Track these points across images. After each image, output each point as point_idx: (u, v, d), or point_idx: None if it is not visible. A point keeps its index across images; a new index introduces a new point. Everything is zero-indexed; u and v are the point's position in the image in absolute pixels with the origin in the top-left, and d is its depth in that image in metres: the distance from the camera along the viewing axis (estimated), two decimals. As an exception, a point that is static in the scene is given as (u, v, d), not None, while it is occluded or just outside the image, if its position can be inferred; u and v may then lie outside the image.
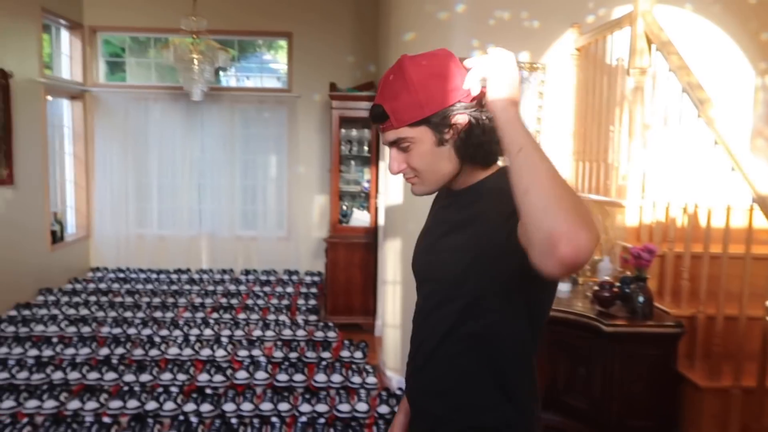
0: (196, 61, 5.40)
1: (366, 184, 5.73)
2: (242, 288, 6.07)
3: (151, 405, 3.46)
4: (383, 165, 4.32)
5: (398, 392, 3.73)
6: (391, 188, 4.26)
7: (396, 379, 4.08)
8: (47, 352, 4.18)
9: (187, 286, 6.05)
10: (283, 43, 7.09)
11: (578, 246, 0.88)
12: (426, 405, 1.34)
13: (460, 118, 1.20)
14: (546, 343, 2.75)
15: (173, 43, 5.37)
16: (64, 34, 6.67)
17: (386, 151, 4.10)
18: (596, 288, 2.67)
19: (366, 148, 5.72)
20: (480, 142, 1.21)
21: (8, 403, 3.40)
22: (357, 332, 5.20)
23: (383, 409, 3.53)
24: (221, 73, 7.40)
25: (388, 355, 4.26)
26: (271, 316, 5.12)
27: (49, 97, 6.25)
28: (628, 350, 2.53)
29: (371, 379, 3.95)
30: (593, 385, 2.59)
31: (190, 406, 3.46)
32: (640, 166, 3.05)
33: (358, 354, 4.36)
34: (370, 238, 5.63)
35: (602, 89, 3.48)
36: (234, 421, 3.30)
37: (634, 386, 2.54)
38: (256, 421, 3.32)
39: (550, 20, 3.89)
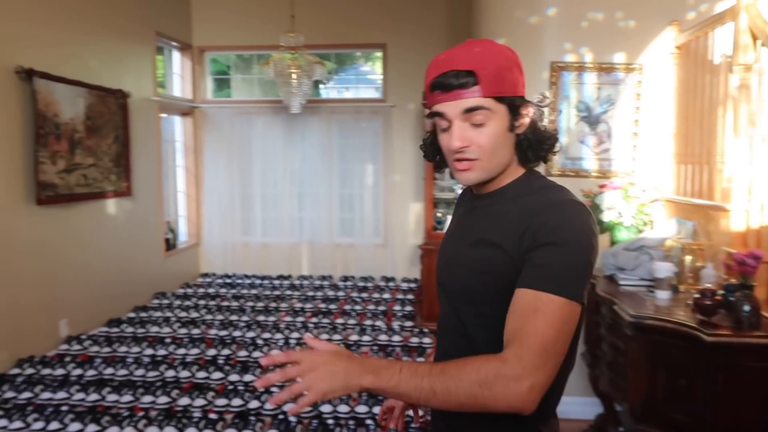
0: (294, 75, 5.63)
1: (459, 191, 5.74)
2: (340, 294, 6.23)
3: (254, 404, 3.64)
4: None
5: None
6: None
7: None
8: (161, 352, 4.49)
9: (288, 292, 6.29)
10: (379, 54, 7.24)
11: (534, 404, 1.05)
12: (448, 419, 1.34)
13: (531, 112, 1.25)
14: (643, 353, 2.66)
15: (273, 59, 5.63)
16: (176, 55, 7.16)
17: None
18: (697, 296, 2.55)
19: (460, 154, 5.72)
20: (540, 139, 1.27)
21: (127, 398, 3.69)
22: (452, 339, 5.20)
23: (476, 415, 3.52)
24: (321, 85, 7.66)
25: (482, 361, 4.24)
26: (368, 322, 5.24)
27: (163, 114, 6.72)
28: (733, 362, 2.40)
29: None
30: (695, 397, 2.47)
31: (289, 406, 3.60)
32: (746, 168, 2.89)
33: (452, 360, 4.36)
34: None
35: (705, 88, 3.32)
36: (330, 422, 3.40)
37: (740, 400, 2.41)
38: (351, 422, 3.41)
39: (647, 19, 3.76)
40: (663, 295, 2.83)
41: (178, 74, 7.21)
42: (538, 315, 1.08)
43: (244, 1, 7.05)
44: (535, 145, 1.27)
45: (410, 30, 6.82)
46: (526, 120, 1.25)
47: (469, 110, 1.19)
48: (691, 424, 2.50)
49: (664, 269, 2.84)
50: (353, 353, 1.17)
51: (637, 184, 3.52)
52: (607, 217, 3.44)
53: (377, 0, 6.89)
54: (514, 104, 1.22)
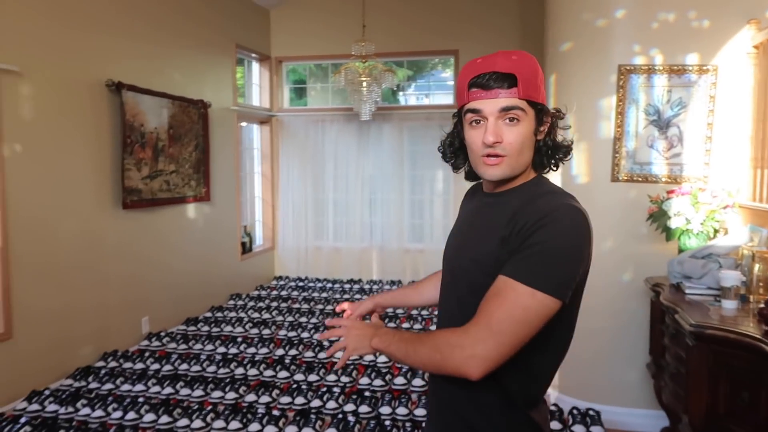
0: (364, 84, 5.75)
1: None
2: (409, 299, 6.26)
3: (316, 403, 3.74)
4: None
5: (552, 408, 3.65)
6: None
7: (554, 395, 3.99)
8: (233, 350, 4.69)
9: (357, 296, 6.41)
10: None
11: (477, 372, 1.20)
12: (450, 405, 1.42)
13: (551, 121, 1.39)
14: (704, 364, 2.56)
15: (344, 67, 5.78)
16: (255, 66, 7.45)
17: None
18: (762, 305, 2.44)
19: (529, 160, 5.65)
20: (557, 147, 1.41)
21: (198, 392, 3.88)
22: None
23: (536, 423, 3.48)
24: (400, 92, 7.78)
25: (546, 370, 4.17)
26: (434, 327, 5.25)
27: (243, 123, 7.02)
28: (801, 376, 2.28)
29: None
30: (758, 411, 2.35)
31: (349, 407, 3.69)
32: (823, 173, 2.73)
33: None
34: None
35: (782, 89, 3.16)
36: (387, 423, 3.45)
37: (809, 417, 2.28)
38: (408, 425, 3.45)
39: (723, 18, 3.61)
40: (729, 304, 2.72)
41: (256, 84, 7.50)
42: (495, 298, 1.22)
43: (321, 13, 7.26)
44: (552, 151, 1.40)
45: (483, 36, 6.81)
46: (547, 127, 1.38)
47: (506, 109, 1.30)
48: (755, 441, 2.39)
49: (730, 278, 2.73)
50: (379, 323, 1.55)
51: (707, 190, 3.38)
52: (674, 223, 3.32)
53: (450, 7, 6.93)
54: (541, 111, 1.34)
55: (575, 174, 3.89)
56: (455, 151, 1.48)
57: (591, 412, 3.57)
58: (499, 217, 1.34)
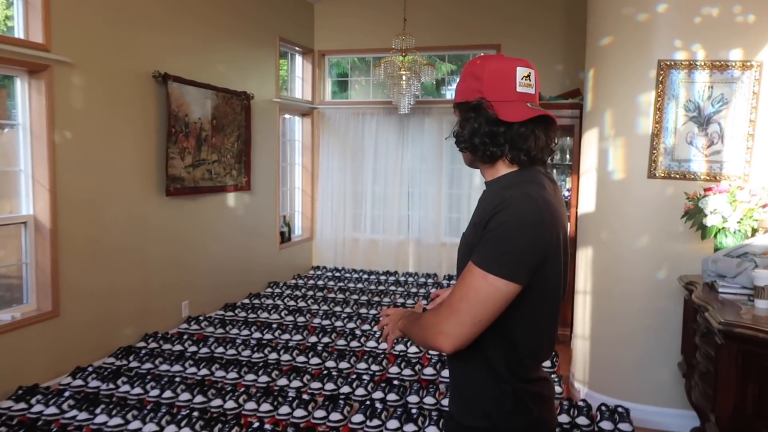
0: (404, 77, 5.78)
1: (566, 193, 5.62)
2: (443, 292, 6.29)
3: (345, 389, 3.82)
4: (585, 174, 4.22)
5: (581, 403, 3.64)
6: (583, 197, 4.17)
7: (584, 391, 3.98)
8: (267, 336, 4.81)
9: (392, 287, 6.46)
10: (494, 55, 7.23)
11: (446, 346, 1.36)
12: (454, 379, 1.61)
13: (459, 115, 1.52)
14: (733, 364, 2.53)
15: (384, 61, 5.82)
16: (298, 59, 7.56)
17: (587, 160, 4.02)
18: (794, 306, 2.40)
19: (568, 156, 5.61)
20: (467, 137, 1.47)
21: (232, 375, 4.00)
22: (552, 343, 5.12)
23: (563, 418, 3.48)
24: (444, 86, 7.78)
25: (576, 366, 4.16)
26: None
27: (287, 115, 7.13)
28: (832, 378, 2.23)
29: (555, 388, 3.91)
30: (786, 413, 2.32)
31: (378, 394, 3.74)
32: None
33: (546, 363, 4.32)
34: (571, 247, 5.50)
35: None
36: (414, 411, 3.50)
37: (840, 420, 2.23)
38: (434, 414, 3.49)
39: (769, 12, 3.52)
40: (762, 304, 2.68)
41: (299, 77, 7.61)
42: (460, 280, 1.39)
43: (364, 6, 7.31)
44: (457, 139, 1.52)
45: (525, 30, 6.74)
46: (462, 120, 1.50)
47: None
48: (782, 442, 2.35)
49: (764, 277, 2.68)
50: (410, 311, 1.67)
51: (746, 188, 3.31)
52: (710, 221, 3.27)
53: (492, 1, 6.89)
54: (458, 108, 1.53)
55: (611, 170, 3.85)
56: None
57: (620, 409, 3.55)
58: (478, 206, 1.50)
